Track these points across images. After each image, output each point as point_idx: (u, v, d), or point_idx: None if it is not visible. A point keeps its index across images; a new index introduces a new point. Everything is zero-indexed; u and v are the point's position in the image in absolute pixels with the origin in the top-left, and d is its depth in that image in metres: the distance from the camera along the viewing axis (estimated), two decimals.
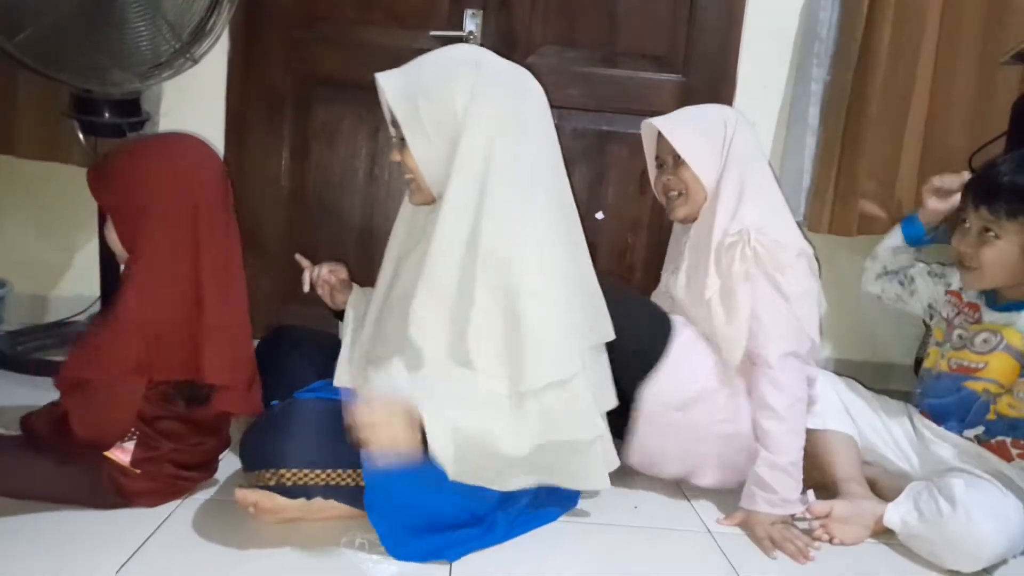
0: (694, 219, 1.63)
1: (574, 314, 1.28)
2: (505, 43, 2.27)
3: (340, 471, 1.22)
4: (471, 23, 2.28)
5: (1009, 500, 1.37)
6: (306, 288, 1.59)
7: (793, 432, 1.47)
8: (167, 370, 1.26)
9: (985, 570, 1.37)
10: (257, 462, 1.22)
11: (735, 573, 1.32)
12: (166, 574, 1.14)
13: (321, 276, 1.58)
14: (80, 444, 1.26)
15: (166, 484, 1.31)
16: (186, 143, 1.36)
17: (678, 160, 1.61)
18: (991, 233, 1.43)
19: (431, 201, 1.36)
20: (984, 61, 2.20)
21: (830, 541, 1.44)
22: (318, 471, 1.21)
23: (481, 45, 2.29)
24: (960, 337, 1.53)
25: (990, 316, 1.50)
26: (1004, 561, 1.39)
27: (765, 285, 1.49)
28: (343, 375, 1.46)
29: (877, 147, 2.16)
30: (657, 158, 1.70)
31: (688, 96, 2.33)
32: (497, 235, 1.23)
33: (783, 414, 1.45)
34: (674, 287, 1.63)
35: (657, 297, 1.75)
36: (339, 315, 1.60)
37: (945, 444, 1.52)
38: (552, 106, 1.40)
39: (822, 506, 1.45)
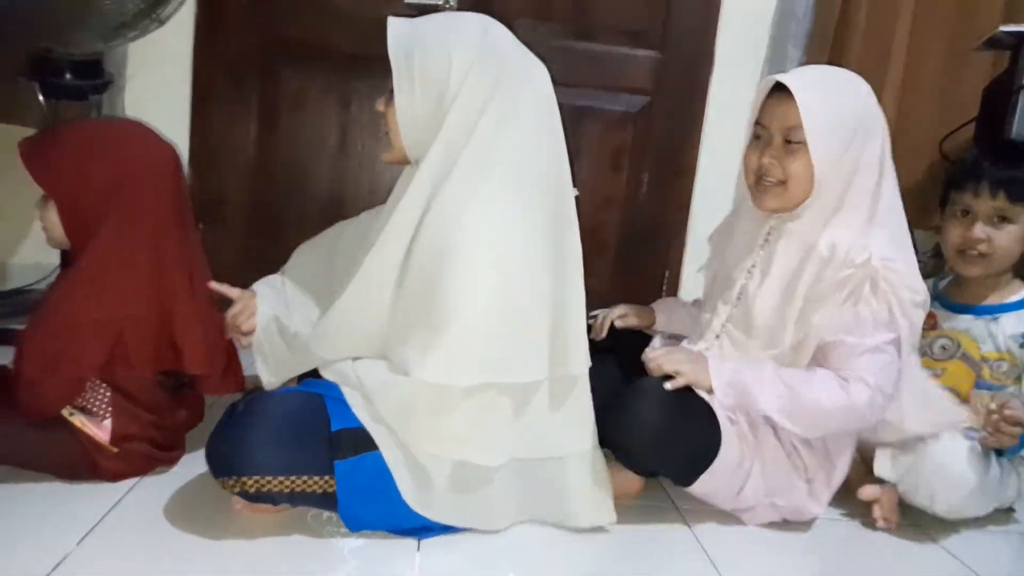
0: (783, 212, 1.32)
1: (509, 327, 1.15)
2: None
3: (306, 477, 1.14)
4: None
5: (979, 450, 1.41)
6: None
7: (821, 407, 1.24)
8: (142, 364, 1.24)
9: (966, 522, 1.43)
10: (219, 469, 1.14)
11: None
12: (128, 548, 1.11)
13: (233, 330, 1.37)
14: (24, 407, 1.22)
15: (138, 464, 1.29)
16: (138, 131, 1.31)
17: (791, 140, 1.26)
18: (1005, 218, 1.45)
19: (403, 160, 1.28)
20: (955, 46, 2.23)
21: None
22: (281, 478, 1.12)
23: None
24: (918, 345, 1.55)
25: (948, 322, 1.53)
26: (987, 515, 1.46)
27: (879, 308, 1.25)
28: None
29: None
30: (759, 124, 1.31)
31: (665, 73, 2.32)
32: (444, 213, 1.16)
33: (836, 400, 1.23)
34: (751, 298, 1.34)
35: (708, 299, 1.48)
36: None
37: None
38: None
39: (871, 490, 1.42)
